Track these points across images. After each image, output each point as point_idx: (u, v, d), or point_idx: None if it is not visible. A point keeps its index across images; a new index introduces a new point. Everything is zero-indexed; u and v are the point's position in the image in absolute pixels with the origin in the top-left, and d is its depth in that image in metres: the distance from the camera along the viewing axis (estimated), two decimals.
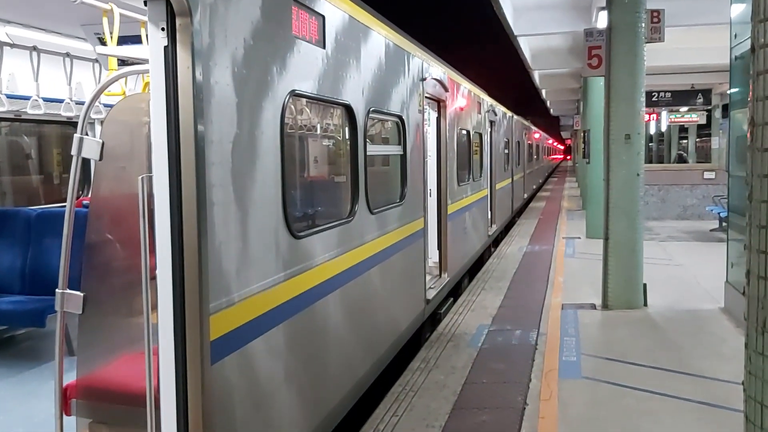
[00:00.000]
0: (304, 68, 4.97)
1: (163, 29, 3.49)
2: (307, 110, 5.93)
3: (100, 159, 3.86)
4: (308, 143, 6.24)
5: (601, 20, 14.00)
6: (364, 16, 6.44)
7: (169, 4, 3.48)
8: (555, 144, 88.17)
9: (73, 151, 3.89)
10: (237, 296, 3.99)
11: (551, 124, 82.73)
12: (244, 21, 4.11)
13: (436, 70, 9.70)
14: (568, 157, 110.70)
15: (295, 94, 4.87)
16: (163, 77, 3.47)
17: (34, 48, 7.04)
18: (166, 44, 3.51)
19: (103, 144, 3.86)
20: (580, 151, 23.48)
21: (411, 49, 8.21)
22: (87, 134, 3.89)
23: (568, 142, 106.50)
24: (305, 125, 6.04)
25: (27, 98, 7.14)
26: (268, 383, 4.40)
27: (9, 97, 6.99)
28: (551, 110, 56.28)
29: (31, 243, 7.27)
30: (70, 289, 3.92)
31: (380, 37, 6.90)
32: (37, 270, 7.15)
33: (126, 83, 5.16)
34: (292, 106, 6.38)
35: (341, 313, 5.72)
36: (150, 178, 3.59)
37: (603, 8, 10.66)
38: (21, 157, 9.55)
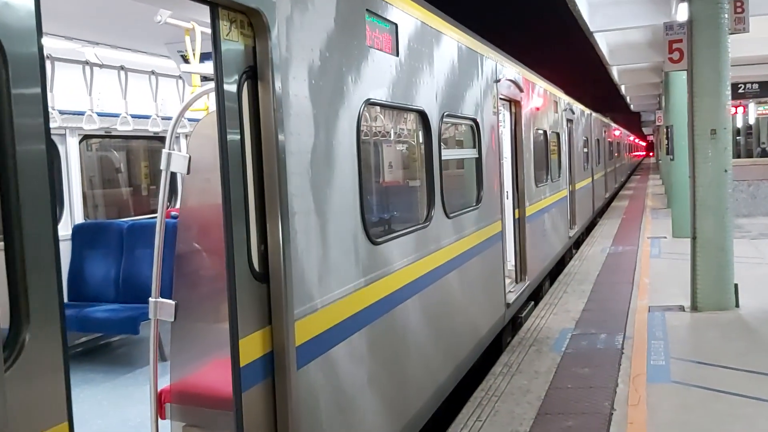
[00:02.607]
0: (378, 76, 5.02)
1: None
2: (382, 117, 5.98)
3: (188, 173, 4.00)
4: (384, 150, 6.30)
5: (681, 12, 13.57)
6: (436, 21, 6.45)
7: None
8: (636, 141, 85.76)
9: (162, 166, 4.04)
10: (320, 302, 4.06)
11: (632, 121, 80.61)
12: (320, 34, 4.18)
13: (510, 70, 9.61)
14: (651, 154, 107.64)
15: (370, 103, 4.92)
16: (246, 92, 3.57)
17: (122, 67, 7.36)
18: None
19: (189, 158, 4.00)
20: (663, 148, 22.77)
21: (483, 51, 8.16)
22: (174, 149, 4.03)
23: (650, 138, 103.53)
24: (380, 132, 6.09)
25: (116, 115, 7.46)
26: (351, 387, 4.45)
27: (99, 114, 7.33)
28: (631, 106, 54.84)
29: (123, 253, 7.58)
30: (162, 297, 4.07)
31: (452, 41, 6.89)
32: (129, 279, 7.45)
33: (208, 99, 5.32)
34: (368, 114, 6.46)
35: (420, 317, 5.73)
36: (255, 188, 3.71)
37: (683, 0, 10.34)
38: (111, 171, 9.97)
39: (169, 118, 4.58)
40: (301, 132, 3.89)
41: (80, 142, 7.71)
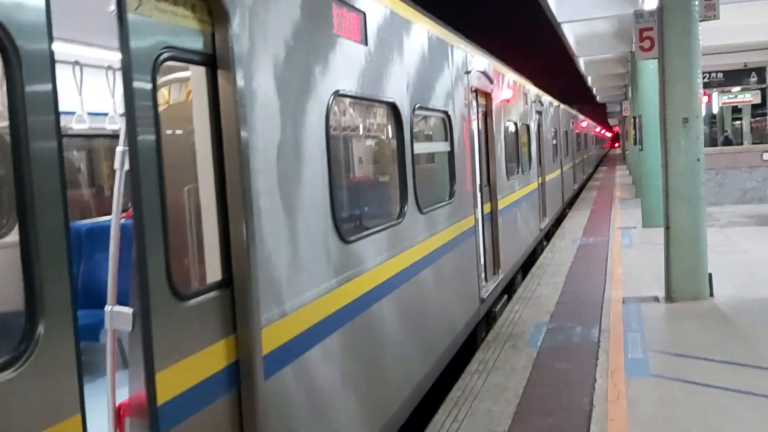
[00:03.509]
0: (347, 67, 4.80)
1: None
2: (352, 110, 5.75)
3: None
4: (354, 144, 6.07)
5: (649, 2, 13.55)
6: (405, 10, 6.24)
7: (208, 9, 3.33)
8: (603, 132, 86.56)
9: (116, 165, 3.77)
10: (289, 306, 3.84)
11: (598, 112, 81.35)
12: (284, 22, 3.95)
13: (481, 61, 9.44)
14: (617, 145, 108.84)
15: (339, 95, 4.70)
16: (204, 84, 3.33)
17: (76, 62, 7.00)
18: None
19: None
20: (631, 138, 22.86)
21: (454, 41, 7.97)
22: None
23: (616, 129, 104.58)
24: (350, 126, 5.86)
25: (72, 113, 7.12)
26: (325, 394, 4.24)
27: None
28: (597, 97, 55.27)
29: (82, 257, 7.26)
30: (120, 303, 3.82)
31: (422, 30, 6.69)
32: (89, 284, 7.13)
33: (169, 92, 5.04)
34: (336, 107, 6.23)
35: (395, 316, 5.54)
36: (196, 189, 3.46)
37: None
38: (72, 172, 9.60)
39: None
40: (265, 126, 3.66)
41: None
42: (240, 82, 3.39)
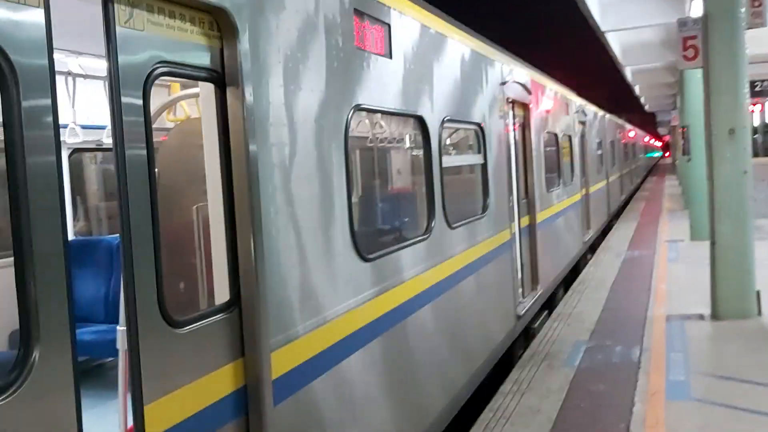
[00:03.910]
0: (369, 81, 4.69)
1: None
2: (375, 124, 5.64)
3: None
4: (377, 159, 5.95)
5: (695, 9, 13.16)
6: (434, 22, 6.11)
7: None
8: (652, 141, 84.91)
9: None
10: (302, 328, 3.72)
11: (647, 121, 79.85)
12: (300, 35, 3.85)
13: (518, 72, 9.24)
14: (667, 155, 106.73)
15: (360, 109, 4.59)
16: (213, 100, 3.25)
17: (69, 72, 6.89)
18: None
19: (158, 173, 3.68)
20: (679, 148, 22.27)
21: (488, 52, 7.81)
22: None
23: (666, 138, 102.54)
24: (374, 140, 5.75)
25: (102, 127, 7.15)
26: (340, 422, 4.10)
27: (85, 127, 7.01)
28: (646, 106, 54.24)
29: (113, 271, 7.28)
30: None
31: (453, 42, 6.54)
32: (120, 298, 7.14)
33: (184, 107, 5.01)
34: (362, 121, 6.11)
35: (420, 338, 5.37)
36: (199, 207, 3.38)
37: None
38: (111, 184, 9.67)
39: None
40: (277, 142, 3.56)
41: (71, 156, 7.41)
42: (249, 98, 3.29)
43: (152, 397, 2.73)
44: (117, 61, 2.63)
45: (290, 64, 3.73)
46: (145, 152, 2.73)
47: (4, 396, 2.16)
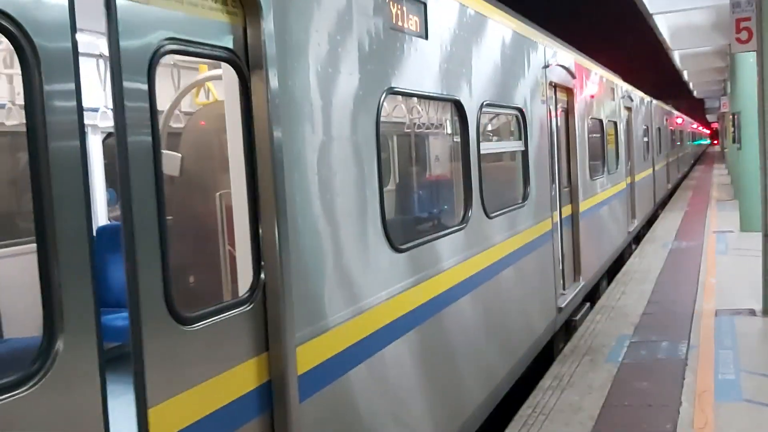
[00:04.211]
0: (403, 62, 4.46)
1: None
2: (410, 108, 5.41)
3: (180, 174, 3.52)
4: (412, 144, 5.72)
5: None
6: (473, 1, 5.84)
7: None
8: (700, 128, 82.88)
9: None
10: (329, 321, 3.53)
11: (695, 108, 77.89)
12: (331, 13, 3.64)
13: (561, 55, 8.90)
14: (716, 142, 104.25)
15: (393, 92, 4.37)
16: (237, 81, 3.07)
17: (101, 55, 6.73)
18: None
19: (182, 158, 3.52)
20: (729, 136, 21.54)
21: (530, 34, 7.50)
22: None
23: (715, 125, 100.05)
24: (409, 125, 5.51)
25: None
26: (371, 419, 3.92)
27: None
28: (695, 92, 52.80)
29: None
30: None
31: (493, 22, 6.26)
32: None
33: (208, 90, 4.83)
34: (397, 106, 5.89)
35: (455, 331, 5.16)
36: (229, 194, 3.21)
37: None
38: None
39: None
40: (304, 127, 3.37)
41: (105, 140, 7.33)
42: (274, 81, 3.10)
43: (157, 400, 2.54)
44: (117, 39, 2.43)
45: (319, 44, 3.53)
46: (150, 138, 2.53)
47: (29, 386, 2.10)
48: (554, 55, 8.43)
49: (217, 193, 3.25)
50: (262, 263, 3.05)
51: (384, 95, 4.16)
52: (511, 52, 6.77)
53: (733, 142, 18.11)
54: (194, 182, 3.51)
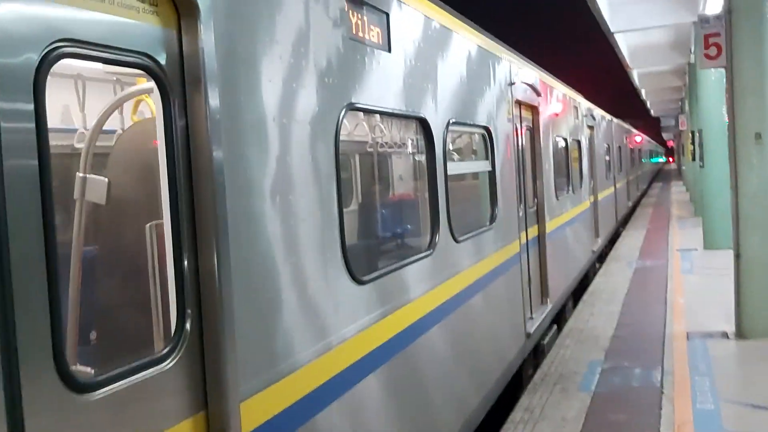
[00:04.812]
0: (364, 76, 4.09)
1: None
2: (372, 126, 5.03)
3: (106, 202, 3.07)
4: (375, 165, 5.34)
5: (710, 8, 12.58)
6: (438, 14, 5.52)
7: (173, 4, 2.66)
8: (657, 147, 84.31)
9: (76, 194, 3.12)
10: (283, 368, 3.11)
11: (652, 126, 79.23)
12: (280, 20, 3.26)
13: (526, 73, 8.65)
14: (671, 160, 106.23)
15: (354, 108, 4.00)
16: (168, 94, 2.65)
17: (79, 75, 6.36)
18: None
19: (109, 184, 3.07)
20: (689, 154, 21.66)
21: (496, 50, 7.21)
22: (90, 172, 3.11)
23: (670, 144, 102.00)
24: (372, 144, 5.14)
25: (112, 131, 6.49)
26: None
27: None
28: (651, 111, 53.66)
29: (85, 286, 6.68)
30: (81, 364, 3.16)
31: (459, 36, 5.95)
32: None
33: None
34: (359, 124, 5.52)
35: (423, 366, 4.77)
36: (161, 226, 2.78)
37: None
38: None
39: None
40: (252, 146, 2.97)
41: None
42: (214, 95, 2.69)
43: None
44: None
45: (269, 54, 3.14)
46: (35, 162, 2.02)
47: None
48: (519, 72, 8.17)
49: (148, 225, 2.82)
50: (188, 311, 2.62)
51: (344, 111, 3.79)
52: (478, 68, 6.46)
53: (693, 159, 18.16)
54: (123, 211, 3.07)
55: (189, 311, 2.65)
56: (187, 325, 2.64)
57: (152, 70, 2.56)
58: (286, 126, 3.23)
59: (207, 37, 2.69)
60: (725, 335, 8.41)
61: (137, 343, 2.90)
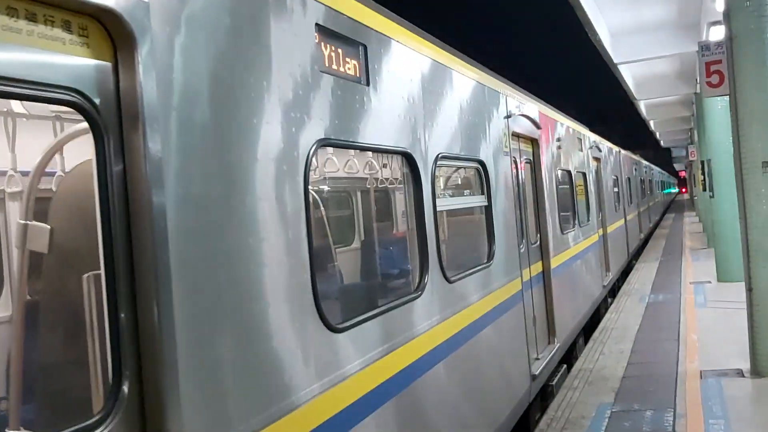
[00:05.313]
0: (337, 110, 3.87)
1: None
2: (348, 163, 4.80)
3: (48, 251, 2.84)
4: (353, 203, 5.09)
5: (714, 36, 12.38)
6: (423, 45, 5.32)
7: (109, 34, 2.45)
8: (668, 177, 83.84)
9: (16, 243, 2.89)
10: (245, 431, 2.82)
11: (662, 157, 78.96)
12: (237, 49, 3.04)
13: (524, 105, 8.43)
14: (683, 190, 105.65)
15: (326, 144, 3.77)
16: (102, 134, 2.43)
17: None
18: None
19: (51, 231, 2.84)
20: (699, 184, 21.33)
21: (489, 82, 7.00)
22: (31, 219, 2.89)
23: (682, 174, 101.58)
24: (346, 180, 4.89)
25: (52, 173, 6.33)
26: None
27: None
28: (661, 142, 53.42)
29: None
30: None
31: (447, 69, 5.74)
32: None
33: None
34: (325, 159, 5.29)
35: (412, 420, 4.45)
36: (99, 276, 2.53)
37: (714, 23, 9.22)
38: None
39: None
40: (202, 188, 2.73)
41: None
42: (154, 134, 2.47)
43: None
44: None
45: (224, 87, 2.92)
46: None
47: None
48: (516, 105, 7.96)
49: (85, 275, 2.57)
50: (125, 372, 2.36)
51: (314, 147, 3.55)
52: (469, 101, 6.24)
53: (704, 190, 17.82)
54: (65, 261, 2.83)
55: (127, 372, 2.39)
56: (125, 388, 2.38)
57: (83, 108, 2.34)
58: (243, 165, 2.99)
59: (146, 71, 2.48)
60: (740, 373, 8.02)
61: (76, 407, 2.63)
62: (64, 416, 2.48)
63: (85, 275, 2.57)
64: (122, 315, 2.38)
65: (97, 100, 2.36)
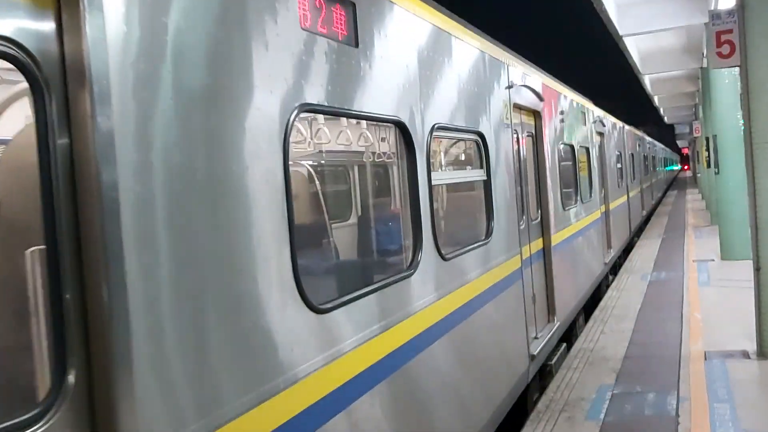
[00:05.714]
0: (322, 73, 3.58)
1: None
2: (335, 131, 4.51)
3: None
4: (339, 175, 4.80)
5: (723, 5, 11.99)
6: (420, 7, 4.99)
7: None
8: (671, 154, 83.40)
9: None
10: (199, 427, 2.55)
11: (666, 133, 78.40)
12: (203, 5, 2.74)
13: (527, 76, 8.11)
14: (686, 167, 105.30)
15: (308, 110, 3.47)
16: (43, 96, 2.14)
17: None
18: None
19: None
20: (704, 161, 21.01)
21: (489, 49, 6.67)
22: None
23: (685, 151, 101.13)
24: (332, 151, 4.60)
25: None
26: None
27: None
28: (665, 118, 52.92)
29: None
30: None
31: (444, 33, 5.42)
32: None
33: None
34: (321, 129, 5.00)
35: (405, 402, 4.21)
36: (44, 252, 2.26)
37: None
38: None
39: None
40: (158, 153, 2.45)
41: None
42: (103, 99, 2.18)
43: None
44: None
45: (188, 45, 2.62)
46: None
47: None
48: (519, 75, 7.63)
49: (29, 251, 2.30)
50: (71, 359, 2.10)
51: (295, 113, 3.26)
52: (469, 69, 5.93)
53: (708, 166, 17.52)
54: (11, 235, 2.56)
55: (73, 360, 2.13)
56: (70, 378, 2.12)
57: (19, 61, 2.06)
58: (211, 130, 2.71)
59: (95, 20, 2.18)
60: (746, 355, 7.78)
61: (19, 399, 2.37)
62: (4, 408, 2.22)
63: (28, 250, 2.30)
64: (66, 296, 2.12)
65: (36, 54, 2.08)
